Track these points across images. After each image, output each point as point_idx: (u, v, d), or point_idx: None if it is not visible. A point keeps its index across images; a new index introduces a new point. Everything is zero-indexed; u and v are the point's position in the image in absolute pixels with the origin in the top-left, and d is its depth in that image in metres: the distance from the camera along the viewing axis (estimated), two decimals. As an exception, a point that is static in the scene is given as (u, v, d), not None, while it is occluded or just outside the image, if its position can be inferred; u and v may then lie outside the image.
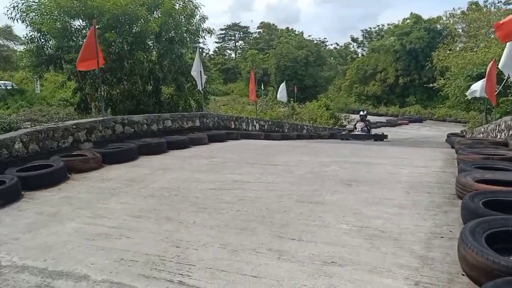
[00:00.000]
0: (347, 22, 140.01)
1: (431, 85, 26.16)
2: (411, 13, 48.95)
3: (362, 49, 69.37)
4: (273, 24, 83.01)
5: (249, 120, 13.70)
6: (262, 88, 40.42)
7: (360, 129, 15.78)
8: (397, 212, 3.49)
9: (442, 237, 2.91)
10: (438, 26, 45.07)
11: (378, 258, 2.60)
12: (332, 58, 69.83)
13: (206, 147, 8.20)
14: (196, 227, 3.36)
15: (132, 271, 2.59)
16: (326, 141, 13.66)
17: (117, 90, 14.16)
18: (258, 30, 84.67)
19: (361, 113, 16.76)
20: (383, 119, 36.11)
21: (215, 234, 3.16)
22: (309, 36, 68.82)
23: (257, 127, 13.94)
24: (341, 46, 73.86)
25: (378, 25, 65.65)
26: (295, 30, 72.32)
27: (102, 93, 10.09)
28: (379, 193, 4.08)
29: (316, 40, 69.09)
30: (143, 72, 13.98)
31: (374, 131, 18.57)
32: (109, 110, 13.89)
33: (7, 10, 12.87)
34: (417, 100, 45.41)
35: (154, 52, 15.37)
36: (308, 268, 2.51)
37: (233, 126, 11.76)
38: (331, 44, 77.42)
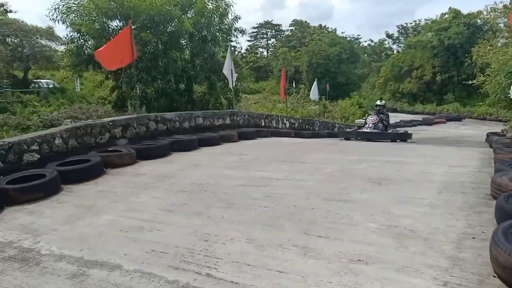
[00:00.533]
0: (382, 18, 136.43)
1: (470, 82, 25.04)
2: (450, 7, 46.92)
3: (397, 45, 67.55)
4: (306, 22, 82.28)
5: (279, 118, 13.70)
6: (294, 85, 40.24)
7: (371, 125, 11.87)
8: (428, 211, 3.41)
9: (474, 238, 2.82)
10: (478, 21, 43.01)
11: (406, 258, 2.56)
12: (365, 55, 68.39)
13: (236, 144, 8.30)
14: (224, 222, 3.43)
15: (162, 262, 2.69)
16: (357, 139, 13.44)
17: (152, 89, 14.57)
18: (290, 28, 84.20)
19: (378, 102, 12.77)
20: (419, 117, 34.95)
21: (243, 229, 3.22)
22: (342, 33, 67.75)
23: (287, 125, 13.92)
24: (375, 43, 72.13)
25: (415, 21, 63.66)
26: (328, 27, 71.45)
27: (137, 91, 10.41)
28: (409, 192, 4.00)
29: (350, 37, 67.90)
30: (177, 71, 14.31)
31: (395, 129, 13.69)
32: (144, 107, 14.31)
33: (49, 12, 13.54)
34: (456, 97, 43.57)
35: (187, 51, 15.67)
36: (334, 265, 2.51)
37: (263, 124, 11.81)
38: (365, 41, 75.91)
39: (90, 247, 3.01)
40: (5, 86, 29.55)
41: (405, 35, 64.33)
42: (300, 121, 15.37)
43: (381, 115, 12.15)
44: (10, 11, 38.21)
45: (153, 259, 2.75)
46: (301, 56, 60.40)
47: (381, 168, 5.30)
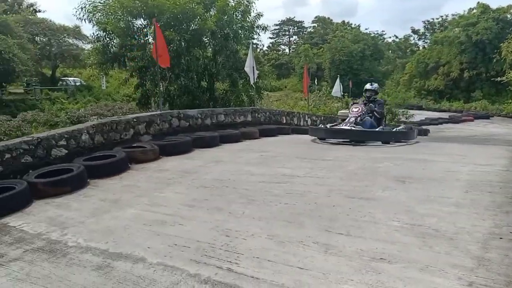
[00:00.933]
0: (407, 13, 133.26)
1: (499, 79, 24.23)
2: (478, 2, 45.43)
3: (423, 41, 65.91)
4: (329, 18, 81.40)
5: (301, 115, 13.64)
6: (316, 83, 39.85)
7: (353, 119, 8.09)
8: (454, 211, 3.33)
9: (501, 238, 2.74)
10: (508, 16, 41.51)
11: (430, 257, 2.51)
12: (390, 51, 67.00)
13: (257, 141, 8.32)
14: (245, 218, 3.45)
15: (184, 256, 2.73)
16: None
17: (175, 86, 14.75)
18: (312, 25, 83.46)
19: (368, 86, 8.72)
20: (445, 115, 34.05)
21: (263, 225, 3.23)
22: (366, 29, 66.85)
23: (309, 122, 13.83)
24: (400, 39, 70.59)
25: (442, 16, 62.12)
26: (351, 24, 70.44)
27: (161, 88, 10.57)
28: (434, 191, 3.91)
29: (374, 33, 66.70)
30: (199, 69, 14.44)
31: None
32: (167, 105, 14.52)
33: (76, 11, 13.91)
34: (484, 95, 42.18)
35: (209, 49, 15.77)
36: (355, 263, 2.49)
37: (284, 121, 11.79)
38: (390, 37, 74.33)
39: (115, 239, 3.09)
40: (34, 84, 30.65)
41: (431, 31, 62.72)
42: (322, 118, 15.25)
43: (372, 104, 8.34)
44: (39, 11, 39.56)
45: (176, 252, 2.80)
46: (323, 53, 59.77)
47: (405, 166, 5.20)
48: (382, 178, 4.54)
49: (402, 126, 9.43)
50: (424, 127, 20.15)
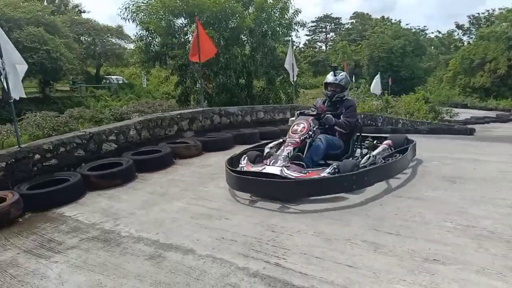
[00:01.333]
0: (451, 8, 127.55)
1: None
2: (529, -6, 42.82)
3: (468, 36, 62.91)
4: (367, 14, 79.46)
5: (341, 113, 13.41)
6: (353, 80, 39.06)
7: (289, 150, 4.03)
8: (510, 212, 3.18)
9: None
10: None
11: (486, 259, 2.42)
12: (432, 47, 64.48)
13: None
14: (289, 214, 3.46)
15: (232, 250, 2.78)
16: (424, 136, 12.75)
17: (213, 84, 14.99)
18: (350, 21, 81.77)
19: (329, 77, 4.74)
20: (492, 113, 32.34)
21: (309, 222, 3.22)
22: (406, 24, 64.35)
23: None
24: (444, 34, 67.73)
25: (488, 10, 58.87)
26: (391, 19, 68.38)
27: (202, 85, 10.79)
28: (488, 192, 3.74)
29: (415, 28, 64.35)
30: (237, 66, 14.57)
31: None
32: (205, 102, 14.77)
33: (120, 11, 14.46)
34: (534, 92, 39.76)
35: (247, 46, 15.87)
36: (407, 263, 2.43)
37: (323, 119, 11.63)
38: (432, 32, 71.70)
39: (165, 231, 3.19)
40: (79, 82, 32.13)
41: (476, 26, 59.72)
42: (362, 116, 14.95)
43: (329, 115, 4.46)
44: (84, 11, 41.32)
45: (223, 246, 2.86)
46: (361, 50, 58.45)
47: (455, 165, 5.00)
48: (431, 177, 4.40)
49: (383, 147, 4.80)
50: (469, 126, 19.23)
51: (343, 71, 4.93)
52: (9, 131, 8.95)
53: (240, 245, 2.86)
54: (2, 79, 4.23)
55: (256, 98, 15.81)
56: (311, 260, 2.57)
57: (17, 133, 4.72)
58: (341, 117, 4.55)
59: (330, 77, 4.70)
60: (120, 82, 34.61)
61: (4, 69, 4.23)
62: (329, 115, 4.42)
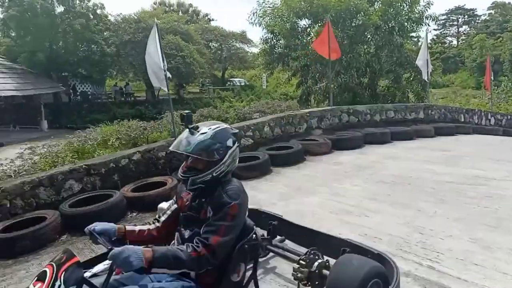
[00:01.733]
0: None
1: None
2: None
3: None
4: (509, 3, 69.02)
5: (482, 114, 11.99)
6: (492, 78, 34.45)
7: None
8: None
9: None
10: None
11: None
12: None
13: (432, 139, 7.65)
14: (437, 217, 3.26)
15: (378, 247, 2.71)
16: None
17: (334, 83, 14.80)
18: (488, 12, 72.05)
19: (177, 141, 1.66)
20: None
21: (462, 227, 2.99)
22: None
23: (492, 121, 12.05)
24: None
25: None
26: (541, 6, 58.24)
27: (330, 82, 10.85)
28: None
29: None
30: (360, 65, 14.15)
31: None
32: (326, 102, 14.69)
33: (248, 16, 15.33)
34: None
35: (372, 44, 15.28)
36: None
37: (462, 120, 10.53)
38: None
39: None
40: (208, 84, 35.06)
41: None
42: (509, 117, 13.12)
43: (199, 203, 1.67)
44: (212, 20, 44.91)
45: (369, 242, 2.80)
46: (502, 44, 51.05)
47: None
48: None
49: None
50: None
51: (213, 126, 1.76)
52: (152, 128, 10.19)
53: (386, 243, 2.83)
54: (166, 80, 4.89)
55: (380, 97, 15.09)
56: (469, 266, 2.45)
57: (173, 124, 5.36)
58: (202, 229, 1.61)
59: (179, 141, 1.71)
60: (242, 84, 36.70)
61: (165, 71, 4.89)
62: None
